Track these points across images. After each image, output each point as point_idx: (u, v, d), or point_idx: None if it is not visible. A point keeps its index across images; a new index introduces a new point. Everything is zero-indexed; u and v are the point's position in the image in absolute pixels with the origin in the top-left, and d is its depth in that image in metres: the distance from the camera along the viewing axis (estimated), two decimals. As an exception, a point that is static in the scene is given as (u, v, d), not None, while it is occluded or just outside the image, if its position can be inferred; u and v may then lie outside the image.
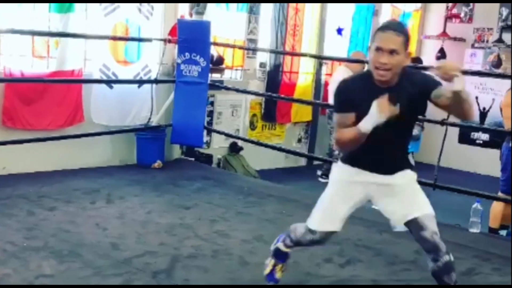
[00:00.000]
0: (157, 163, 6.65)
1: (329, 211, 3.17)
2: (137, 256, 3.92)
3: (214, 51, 7.21)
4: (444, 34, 9.94)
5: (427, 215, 3.01)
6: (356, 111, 2.90)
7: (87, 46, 6.27)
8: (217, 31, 7.27)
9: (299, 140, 8.81)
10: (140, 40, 6.72)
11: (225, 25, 7.54)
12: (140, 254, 3.96)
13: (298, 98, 8.34)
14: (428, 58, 10.19)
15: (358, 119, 2.88)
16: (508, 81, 8.78)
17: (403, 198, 3.06)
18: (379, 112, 2.78)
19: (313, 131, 9.00)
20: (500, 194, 5.73)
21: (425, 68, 8.71)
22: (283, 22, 8.18)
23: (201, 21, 6.93)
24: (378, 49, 2.85)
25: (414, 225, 3.00)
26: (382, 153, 3.01)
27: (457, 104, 2.80)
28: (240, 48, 7.74)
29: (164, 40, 6.74)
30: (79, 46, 6.12)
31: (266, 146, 7.14)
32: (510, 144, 5.65)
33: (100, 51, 6.37)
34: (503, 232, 5.83)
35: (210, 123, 7.53)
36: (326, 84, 8.49)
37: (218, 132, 7.42)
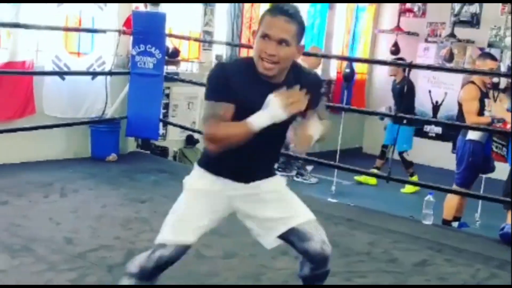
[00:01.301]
0: (112, 156, 6.57)
1: (183, 221, 2.59)
2: (92, 250, 3.88)
3: (169, 43, 7.15)
4: (398, 28, 10.06)
5: (310, 222, 2.59)
6: (233, 102, 2.40)
7: (39, 37, 6.15)
8: (173, 23, 7.21)
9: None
10: (93, 31, 6.62)
11: (181, 16, 7.49)
12: (95, 248, 3.92)
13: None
14: (383, 52, 10.33)
15: (236, 113, 2.41)
16: (460, 75, 9.01)
17: (277, 205, 2.61)
18: (281, 107, 2.30)
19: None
20: (455, 187, 5.85)
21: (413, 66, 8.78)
22: (238, 15, 8.16)
23: (156, 13, 6.87)
24: (265, 36, 2.36)
25: (295, 235, 2.56)
26: (253, 159, 2.55)
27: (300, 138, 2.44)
28: (196, 40, 7.70)
29: (119, 32, 6.65)
30: (31, 37, 6.00)
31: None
32: (466, 138, 5.76)
33: (53, 42, 6.24)
34: (455, 224, 5.97)
35: (165, 115, 7.48)
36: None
37: (174, 124, 7.38)
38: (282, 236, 2.61)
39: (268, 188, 2.64)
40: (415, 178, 7.59)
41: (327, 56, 8.95)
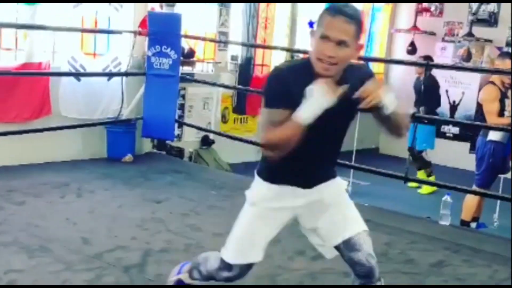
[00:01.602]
0: (128, 157, 6.59)
1: (249, 239, 2.62)
2: (108, 250, 3.88)
3: (185, 43, 7.16)
4: (414, 28, 10.01)
5: (362, 234, 2.58)
6: (291, 107, 2.35)
7: (55, 39, 6.18)
8: (188, 24, 7.22)
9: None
10: (109, 32, 6.65)
11: (196, 17, 7.50)
12: (111, 248, 3.92)
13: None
14: (399, 52, 10.28)
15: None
16: (478, 75, 8.94)
17: (335, 214, 2.60)
18: (322, 95, 2.30)
19: (285, 124, 9.01)
20: (475, 188, 5.80)
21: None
22: (254, 15, 8.15)
23: (171, 14, 6.87)
24: (325, 37, 2.33)
25: (346, 245, 2.56)
26: (314, 160, 2.53)
27: (389, 122, 2.45)
28: (211, 41, 7.71)
29: (134, 33, 6.67)
30: (47, 38, 6.03)
31: (238, 139, 7.12)
32: (487, 139, 5.71)
33: (69, 43, 6.27)
34: (473, 225, 5.92)
35: (181, 116, 7.49)
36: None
37: (190, 125, 7.38)
38: (336, 246, 2.62)
39: (330, 193, 2.62)
40: (432, 179, 7.54)
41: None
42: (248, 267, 2.66)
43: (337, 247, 2.61)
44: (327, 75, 2.36)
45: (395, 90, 2.44)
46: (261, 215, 2.61)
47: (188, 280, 2.96)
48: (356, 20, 2.36)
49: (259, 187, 2.64)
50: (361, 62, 2.55)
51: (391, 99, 2.35)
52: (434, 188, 7.48)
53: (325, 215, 2.60)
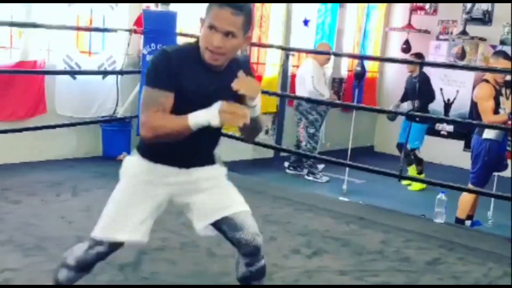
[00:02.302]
0: (123, 155, 6.57)
1: (122, 216, 2.55)
2: (104, 249, 3.87)
3: (180, 42, 7.14)
4: (409, 26, 10.01)
5: (244, 212, 2.55)
6: (175, 89, 2.38)
7: (50, 37, 6.17)
8: (183, 22, 7.21)
9: (267, 132, 8.81)
10: (104, 30, 6.64)
11: (191, 15, 7.49)
12: (107, 247, 3.91)
13: (265, 89, 8.32)
14: (394, 51, 10.30)
15: (176, 99, 2.39)
16: (472, 73, 8.96)
17: (213, 193, 2.58)
18: (219, 114, 2.29)
19: (280, 122, 9.00)
20: (470, 186, 5.82)
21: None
22: (249, 13, 8.13)
23: (167, 12, 6.87)
24: (212, 27, 2.35)
25: (228, 225, 2.53)
26: (192, 146, 2.50)
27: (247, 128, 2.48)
28: (207, 39, 7.68)
29: (130, 31, 6.66)
30: (42, 36, 6.02)
31: (233, 137, 7.10)
32: (482, 137, 5.72)
33: (64, 41, 6.27)
34: (468, 223, 5.94)
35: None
36: (293, 76, 8.51)
37: (185, 123, 7.36)
38: (216, 225, 2.57)
39: (205, 176, 2.60)
40: (422, 176, 7.57)
41: (338, 54, 8.92)
42: (118, 244, 2.58)
43: (219, 229, 2.58)
44: (214, 64, 2.41)
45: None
46: (131, 188, 2.58)
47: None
48: (244, 12, 2.38)
49: (133, 161, 2.60)
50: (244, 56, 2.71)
51: (258, 103, 2.48)
52: (424, 185, 7.52)
53: (201, 195, 2.58)
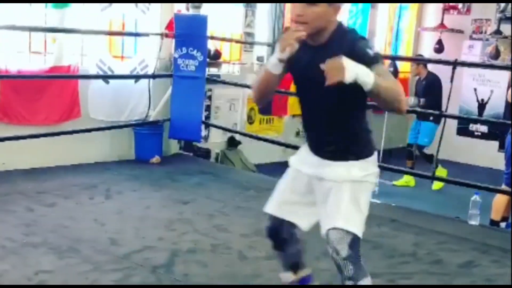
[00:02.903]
0: (155, 158, 6.64)
1: (275, 193, 2.85)
2: (136, 251, 3.92)
3: (211, 45, 7.19)
4: (441, 25, 9.92)
5: (337, 229, 2.51)
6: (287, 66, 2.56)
7: (83, 42, 6.26)
8: (214, 25, 7.25)
9: (297, 134, 8.79)
10: (136, 34, 6.71)
11: (222, 18, 7.53)
12: (139, 249, 3.96)
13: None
14: (426, 50, 10.19)
15: (293, 80, 2.66)
16: (506, 73, 8.81)
17: (328, 203, 2.60)
18: (279, 44, 2.46)
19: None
20: (504, 187, 5.73)
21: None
22: (279, 15, 8.15)
23: (198, 15, 6.91)
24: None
25: (325, 234, 2.57)
26: (319, 129, 2.63)
27: (377, 98, 2.40)
28: (237, 42, 7.72)
29: (161, 35, 6.72)
30: (75, 41, 6.11)
31: (264, 140, 7.13)
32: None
33: (97, 46, 6.35)
34: (503, 225, 5.84)
35: (207, 117, 7.52)
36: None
37: (216, 126, 7.41)
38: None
39: (334, 177, 2.59)
40: (443, 171, 7.50)
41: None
42: (273, 220, 2.81)
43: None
44: (305, 36, 2.43)
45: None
46: (286, 173, 2.84)
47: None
48: None
49: (301, 149, 2.85)
50: (363, 36, 2.61)
51: (362, 74, 2.30)
52: (412, 183, 7.76)
53: (324, 200, 2.62)
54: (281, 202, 2.79)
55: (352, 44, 2.43)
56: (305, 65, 2.51)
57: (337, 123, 2.60)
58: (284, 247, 2.89)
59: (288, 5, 8.23)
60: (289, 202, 2.77)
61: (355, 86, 2.32)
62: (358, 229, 2.55)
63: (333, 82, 2.28)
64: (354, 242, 2.52)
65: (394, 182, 7.90)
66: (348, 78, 2.27)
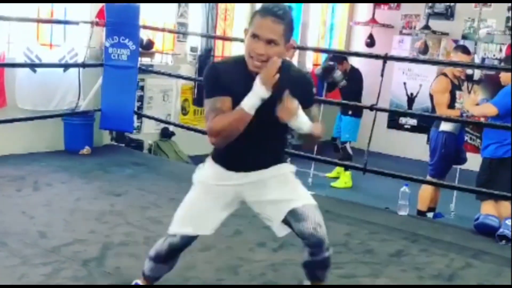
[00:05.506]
0: (86, 149, 6.50)
1: (193, 210, 2.82)
2: (66, 244, 3.82)
3: (143, 34, 7.08)
4: (373, 20, 10.08)
5: (308, 205, 2.67)
6: (230, 96, 2.58)
7: (10, 29, 6.05)
8: (147, 14, 7.14)
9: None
10: (66, 22, 6.54)
11: (155, 8, 7.42)
12: (69, 242, 3.86)
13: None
14: (358, 45, 10.35)
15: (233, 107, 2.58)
16: (434, 68, 9.06)
17: (279, 190, 2.73)
18: (262, 83, 2.48)
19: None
20: (428, 178, 5.89)
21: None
22: (213, 6, 8.10)
23: (129, 4, 6.77)
24: (255, 36, 2.51)
25: (293, 217, 2.65)
26: (256, 149, 2.70)
27: (304, 137, 2.74)
28: (170, 31, 7.63)
29: (92, 23, 6.56)
30: (2, 28, 5.91)
31: (198, 131, 7.08)
32: (439, 129, 5.80)
33: (24, 34, 6.15)
34: (430, 215, 6.01)
35: (140, 108, 7.42)
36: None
37: (149, 117, 7.32)
38: (284, 219, 2.69)
39: (272, 174, 2.76)
40: (347, 174, 7.65)
41: (302, 48, 8.92)
42: (190, 238, 2.85)
43: (286, 222, 2.70)
44: (258, 72, 2.53)
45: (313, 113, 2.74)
46: (202, 191, 2.82)
47: (141, 282, 3.08)
48: (285, 20, 2.53)
49: (206, 166, 2.84)
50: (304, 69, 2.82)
51: (304, 123, 2.60)
52: (349, 184, 7.70)
53: (268, 192, 2.74)
54: (204, 220, 2.82)
55: (302, 81, 2.73)
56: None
57: (273, 142, 2.79)
58: (175, 261, 3.00)
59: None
60: (213, 218, 2.83)
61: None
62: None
63: (282, 120, 2.52)
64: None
65: (327, 174, 8.00)
66: (293, 122, 2.56)
